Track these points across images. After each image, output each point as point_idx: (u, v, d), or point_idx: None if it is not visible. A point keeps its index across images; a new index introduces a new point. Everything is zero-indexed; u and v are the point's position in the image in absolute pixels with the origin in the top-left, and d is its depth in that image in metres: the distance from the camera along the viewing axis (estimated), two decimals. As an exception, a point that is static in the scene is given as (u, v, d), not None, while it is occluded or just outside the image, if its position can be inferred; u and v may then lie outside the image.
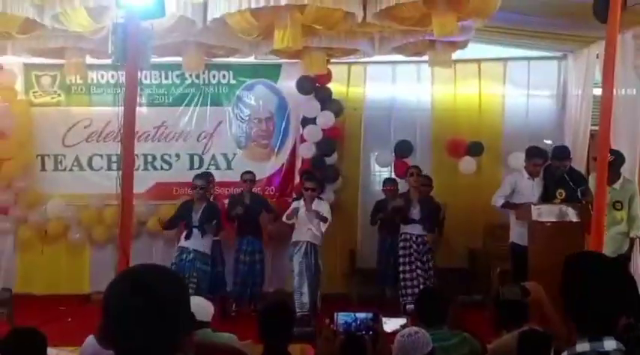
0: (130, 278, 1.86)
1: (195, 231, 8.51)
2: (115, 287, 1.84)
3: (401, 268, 8.67)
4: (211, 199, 8.93)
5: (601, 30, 6.14)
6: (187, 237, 8.54)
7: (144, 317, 1.76)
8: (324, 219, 8.40)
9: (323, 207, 8.52)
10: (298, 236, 8.50)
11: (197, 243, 8.51)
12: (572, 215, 7.46)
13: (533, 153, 8.26)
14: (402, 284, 8.61)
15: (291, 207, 8.53)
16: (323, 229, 8.49)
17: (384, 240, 9.32)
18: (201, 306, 5.29)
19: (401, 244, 8.68)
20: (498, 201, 8.33)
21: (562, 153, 8.21)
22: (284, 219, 8.55)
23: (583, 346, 2.37)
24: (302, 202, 8.50)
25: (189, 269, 8.32)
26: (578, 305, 2.42)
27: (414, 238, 8.61)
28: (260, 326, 4.30)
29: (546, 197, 7.97)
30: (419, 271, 8.56)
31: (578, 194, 7.75)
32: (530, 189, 8.17)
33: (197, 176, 8.83)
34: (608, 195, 6.57)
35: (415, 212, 8.62)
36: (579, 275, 2.48)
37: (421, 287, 8.27)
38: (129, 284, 1.82)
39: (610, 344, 2.35)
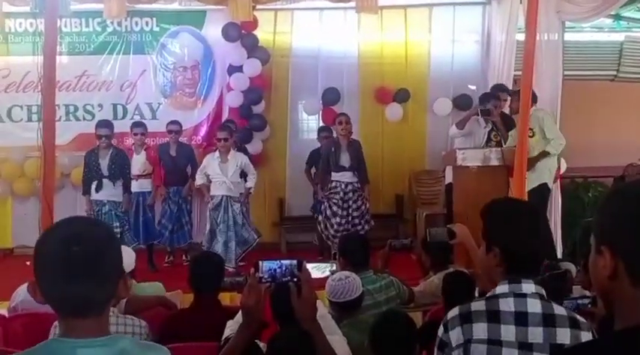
0: (63, 229, 1.84)
1: (105, 181, 8.27)
2: (50, 239, 1.81)
3: (330, 214, 8.53)
4: (144, 148, 8.79)
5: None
6: (98, 189, 8.28)
7: (84, 265, 1.76)
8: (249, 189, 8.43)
9: (240, 159, 8.34)
10: (214, 190, 8.30)
11: (109, 192, 8.29)
12: (495, 159, 7.62)
13: (490, 96, 8.31)
14: (332, 231, 8.45)
15: (202, 164, 8.39)
16: (251, 184, 8.40)
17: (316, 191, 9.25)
18: (126, 256, 5.24)
19: (331, 191, 8.53)
20: (451, 131, 8.54)
21: (499, 88, 8.33)
22: (196, 183, 8.48)
23: (502, 288, 2.45)
24: (217, 154, 8.30)
25: (109, 221, 8.08)
26: (502, 250, 2.50)
27: (342, 185, 8.48)
28: (190, 275, 4.30)
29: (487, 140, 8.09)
30: (350, 218, 8.45)
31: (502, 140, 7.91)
32: (483, 133, 8.24)
33: (100, 123, 8.46)
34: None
35: (345, 159, 8.46)
36: (502, 222, 2.56)
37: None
38: (64, 235, 1.80)
39: (528, 287, 2.43)
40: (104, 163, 8.26)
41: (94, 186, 8.29)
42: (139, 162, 8.69)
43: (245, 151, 9.01)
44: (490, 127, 8.11)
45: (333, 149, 8.46)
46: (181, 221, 8.87)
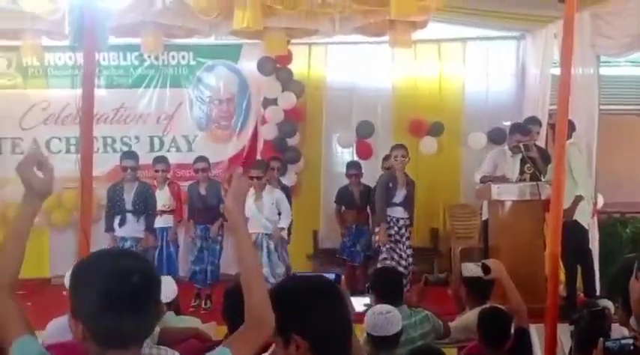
0: (113, 259, 1.84)
1: (129, 216, 8.19)
2: (102, 271, 1.80)
3: (382, 250, 8.42)
4: (168, 183, 8.73)
5: (559, 9, 6.19)
6: (121, 224, 8.19)
7: (141, 298, 1.77)
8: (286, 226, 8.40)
9: (275, 195, 8.29)
10: (250, 228, 8.21)
11: (132, 228, 8.18)
12: (531, 193, 7.55)
13: (515, 130, 8.27)
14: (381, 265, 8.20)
15: None
16: (284, 224, 8.35)
17: (348, 226, 9.19)
18: (166, 286, 5.25)
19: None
20: (478, 175, 8.29)
21: (529, 122, 8.25)
22: None
23: None
24: (252, 191, 8.15)
25: None
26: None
27: (394, 220, 8.38)
28: (224, 306, 4.29)
29: (520, 173, 7.99)
30: (399, 253, 8.34)
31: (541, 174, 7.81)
32: (511, 166, 8.17)
33: (126, 155, 8.52)
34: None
35: (401, 195, 8.39)
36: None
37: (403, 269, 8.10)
38: (121, 267, 1.80)
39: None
40: (129, 198, 8.19)
41: (116, 222, 8.21)
42: (162, 198, 8.56)
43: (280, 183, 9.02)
44: (519, 159, 8.03)
45: (390, 184, 8.39)
46: (209, 260, 8.56)
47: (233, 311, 4.26)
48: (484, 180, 8.11)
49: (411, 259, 8.42)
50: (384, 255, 8.36)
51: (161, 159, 8.80)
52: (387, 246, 8.32)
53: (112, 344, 1.80)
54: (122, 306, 1.76)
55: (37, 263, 9.83)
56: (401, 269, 8.04)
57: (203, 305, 8.49)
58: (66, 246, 9.06)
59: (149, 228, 8.28)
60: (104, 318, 1.77)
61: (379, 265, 8.22)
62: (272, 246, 8.24)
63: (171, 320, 4.98)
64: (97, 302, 1.77)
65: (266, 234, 8.21)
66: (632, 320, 2.55)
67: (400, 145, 8.62)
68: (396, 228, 8.39)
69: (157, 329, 4.38)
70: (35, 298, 8.46)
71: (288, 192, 9.10)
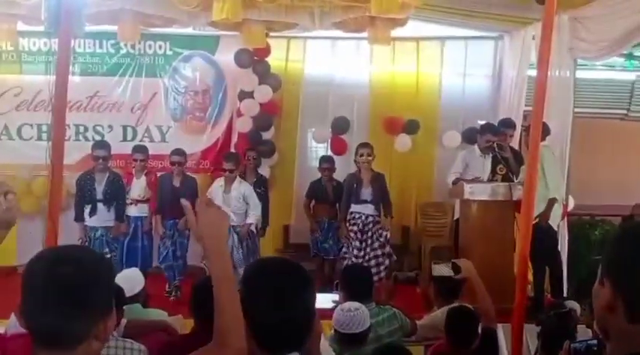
0: (55, 251, 1.79)
1: (100, 205, 8.20)
2: (39, 259, 1.74)
3: (345, 248, 8.54)
4: (145, 173, 8.70)
5: (538, 11, 6.24)
6: (92, 214, 8.20)
7: (69, 291, 1.67)
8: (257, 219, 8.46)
9: (243, 189, 8.35)
10: None
11: (104, 217, 8.21)
12: (502, 194, 7.59)
13: (486, 130, 8.32)
14: (348, 263, 8.22)
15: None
16: (252, 220, 8.41)
17: (320, 220, 9.22)
18: (132, 278, 5.22)
19: (351, 222, 8.46)
20: (451, 177, 8.37)
21: (503, 125, 8.32)
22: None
23: None
24: (222, 182, 8.32)
25: (98, 247, 7.99)
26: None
27: (363, 217, 8.41)
28: (192, 301, 4.26)
29: (491, 173, 8.05)
30: (366, 249, 8.33)
31: (514, 175, 7.87)
32: (481, 165, 8.23)
33: (98, 144, 8.50)
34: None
35: (367, 192, 8.44)
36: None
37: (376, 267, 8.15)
38: (55, 256, 1.75)
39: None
40: (100, 188, 8.20)
41: (87, 211, 8.20)
42: (138, 187, 8.56)
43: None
44: (490, 160, 8.09)
45: (355, 185, 8.44)
46: (176, 255, 8.62)
47: (200, 305, 4.25)
48: (456, 182, 8.19)
49: (382, 254, 8.37)
50: (344, 250, 8.52)
51: (140, 149, 8.77)
52: (353, 242, 8.35)
53: (40, 341, 1.71)
54: (48, 300, 1.67)
55: (5, 251, 9.70)
56: (371, 264, 8.08)
57: (174, 294, 8.59)
58: (34, 234, 8.94)
59: (119, 217, 8.31)
60: (33, 313, 1.70)
61: (343, 262, 8.36)
62: (236, 240, 8.24)
63: (138, 312, 4.95)
64: (26, 296, 1.71)
65: (232, 226, 8.15)
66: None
67: (365, 144, 8.69)
68: (361, 225, 8.39)
69: (124, 320, 4.35)
70: (1, 287, 8.39)
71: (265, 183, 9.23)
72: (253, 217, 8.42)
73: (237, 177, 8.38)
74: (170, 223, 8.56)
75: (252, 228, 8.55)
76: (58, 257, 1.73)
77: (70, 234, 7.79)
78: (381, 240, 8.40)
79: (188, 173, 9.02)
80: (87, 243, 8.09)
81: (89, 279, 1.70)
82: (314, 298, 2.22)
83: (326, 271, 9.07)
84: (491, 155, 8.08)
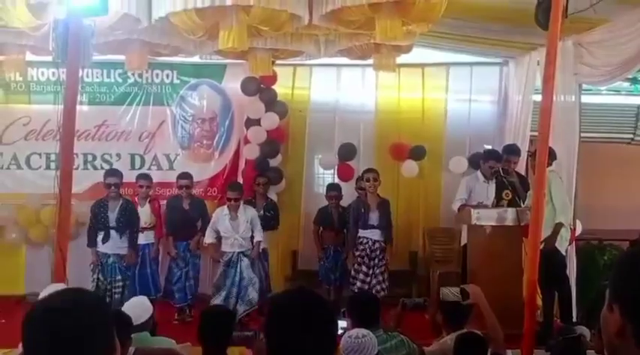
0: (52, 301, 1.81)
1: (112, 232, 8.26)
2: (36, 311, 1.78)
3: (353, 273, 8.54)
4: (149, 201, 8.79)
5: (542, 37, 6.27)
6: (105, 241, 8.26)
7: (64, 343, 1.72)
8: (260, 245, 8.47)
9: (249, 213, 8.40)
10: (225, 246, 8.33)
11: (116, 245, 8.28)
12: (510, 219, 7.58)
13: (489, 156, 8.34)
14: (356, 288, 8.36)
15: (212, 220, 8.41)
16: (259, 237, 8.41)
17: (326, 247, 9.22)
18: (139, 306, 5.22)
19: (359, 248, 8.53)
20: (456, 204, 8.40)
21: (507, 151, 8.34)
22: (205, 241, 8.47)
23: None
24: (225, 210, 8.36)
25: (110, 274, 8.15)
26: None
27: (370, 242, 8.50)
28: (200, 328, 4.27)
29: (496, 198, 8.05)
30: (373, 274, 8.42)
31: (520, 200, 7.86)
32: (485, 191, 8.25)
33: (110, 172, 8.57)
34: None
35: (374, 217, 8.52)
36: None
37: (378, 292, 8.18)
38: (51, 307, 1.78)
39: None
40: (113, 215, 8.28)
41: (100, 238, 8.28)
42: (144, 215, 8.66)
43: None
44: (494, 185, 8.11)
45: (362, 210, 8.53)
46: (188, 276, 8.76)
47: (208, 333, 4.26)
48: (462, 208, 8.22)
49: (383, 280, 8.47)
50: (352, 274, 8.54)
51: (144, 176, 8.88)
52: (361, 267, 8.45)
53: None
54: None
55: (13, 280, 9.74)
56: (378, 289, 8.13)
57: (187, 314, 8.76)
58: (42, 263, 8.99)
59: (132, 244, 8.38)
60: None
61: (350, 287, 8.43)
62: (247, 263, 8.28)
63: (146, 340, 4.94)
64: (27, 350, 1.76)
65: (241, 253, 8.29)
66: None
67: (371, 169, 8.79)
68: (368, 251, 8.48)
69: (132, 349, 4.35)
70: (10, 315, 8.40)
71: (275, 207, 9.33)
72: (259, 235, 8.43)
73: (240, 205, 8.43)
74: (182, 245, 8.73)
75: (262, 247, 8.61)
76: (55, 308, 1.76)
77: (79, 263, 7.82)
78: (383, 268, 8.52)
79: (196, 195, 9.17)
80: (99, 268, 8.20)
81: (86, 330, 1.74)
82: (337, 328, 2.28)
83: (332, 298, 9.04)
84: (495, 180, 8.10)
